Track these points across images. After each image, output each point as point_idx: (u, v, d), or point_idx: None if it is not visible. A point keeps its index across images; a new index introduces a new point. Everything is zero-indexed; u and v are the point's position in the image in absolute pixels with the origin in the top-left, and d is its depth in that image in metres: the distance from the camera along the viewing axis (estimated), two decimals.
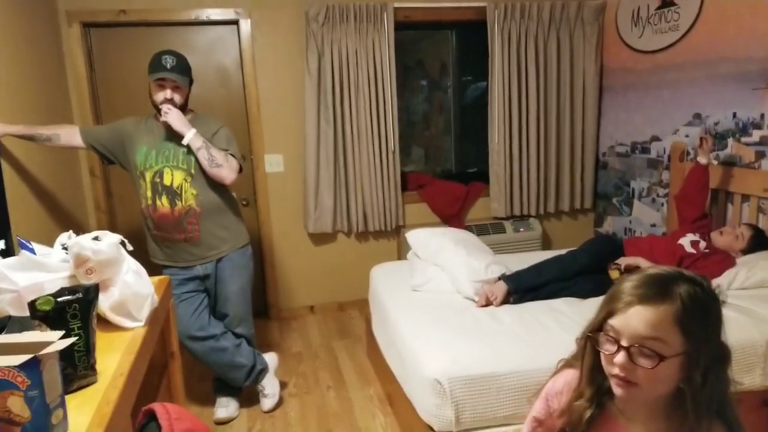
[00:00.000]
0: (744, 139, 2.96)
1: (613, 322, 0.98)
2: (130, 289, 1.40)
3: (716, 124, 3.11)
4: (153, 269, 1.94)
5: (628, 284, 0.99)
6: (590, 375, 1.06)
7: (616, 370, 0.97)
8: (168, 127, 2.32)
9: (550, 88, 3.93)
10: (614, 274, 2.71)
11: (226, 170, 2.36)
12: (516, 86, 3.83)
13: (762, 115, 2.84)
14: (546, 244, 4.20)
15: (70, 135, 2.46)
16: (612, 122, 4.00)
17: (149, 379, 1.54)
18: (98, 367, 1.17)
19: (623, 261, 2.76)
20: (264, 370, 2.71)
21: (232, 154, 2.41)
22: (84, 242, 1.34)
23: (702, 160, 2.92)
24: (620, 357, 0.96)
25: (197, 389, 2.93)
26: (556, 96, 3.95)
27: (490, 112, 3.89)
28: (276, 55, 3.58)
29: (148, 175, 2.38)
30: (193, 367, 2.94)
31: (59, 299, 1.12)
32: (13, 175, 2.42)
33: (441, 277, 2.75)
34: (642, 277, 0.99)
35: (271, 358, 2.80)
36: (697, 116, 3.23)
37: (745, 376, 2.09)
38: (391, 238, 4.00)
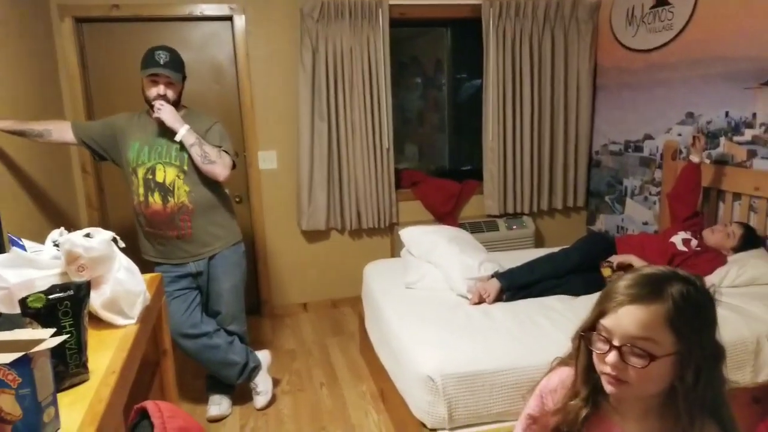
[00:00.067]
0: (736, 138, 2.97)
1: (605, 321, 0.98)
2: (122, 287, 1.39)
3: (709, 123, 3.13)
4: (145, 266, 1.93)
5: (622, 283, 0.99)
6: (585, 374, 1.07)
7: (607, 369, 0.98)
8: (161, 123, 2.31)
9: (545, 86, 3.94)
10: (606, 272, 2.73)
11: (220, 167, 2.35)
12: (510, 84, 3.84)
13: (754, 115, 2.86)
14: (539, 241, 4.22)
15: (62, 131, 2.44)
16: (605, 120, 4.01)
17: (141, 377, 1.53)
18: (90, 364, 1.16)
19: (615, 259, 2.78)
20: (257, 368, 2.71)
21: (225, 151, 2.40)
22: (75, 239, 1.33)
23: (694, 158, 2.94)
24: (612, 356, 0.96)
25: (190, 387, 2.92)
26: (550, 94, 3.96)
27: (485, 109, 3.89)
28: (270, 52, 3.56)
29: (141, 172, 2.36)
30: (186, 364, 2.93)
31: (50, 296, 1.11)
32: (3, 171, 2.40)
33: (434, 275, 2.75)
34: (635, 277, 0.99)
35: (264, 356, 2.80)
36: (690, 115, 3.25)
37: (735, 373, 2.11)
38: (384, 236, 4.00)
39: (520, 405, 1.26)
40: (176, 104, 2.37)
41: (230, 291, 2.58)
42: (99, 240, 1.37)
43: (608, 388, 1.00)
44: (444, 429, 1.99)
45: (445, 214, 3.99)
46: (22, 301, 1.10)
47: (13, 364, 0.87)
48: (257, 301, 3.87)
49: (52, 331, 0.99)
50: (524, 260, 2.74)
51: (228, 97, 3.61)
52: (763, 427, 1.97)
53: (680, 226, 2.92)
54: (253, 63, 3.54)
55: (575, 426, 1.07)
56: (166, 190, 2.36)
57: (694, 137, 2.96)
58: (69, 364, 1.11)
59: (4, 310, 1.25)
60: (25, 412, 0.89)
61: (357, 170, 3.74)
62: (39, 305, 1.09)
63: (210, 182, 2.42)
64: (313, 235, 3.88)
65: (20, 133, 2.37)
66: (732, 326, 2.16)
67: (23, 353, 0.88)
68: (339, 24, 3.51)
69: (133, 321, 1.41)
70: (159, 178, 2.35)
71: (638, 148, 3.70)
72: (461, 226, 3.80)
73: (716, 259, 2.72)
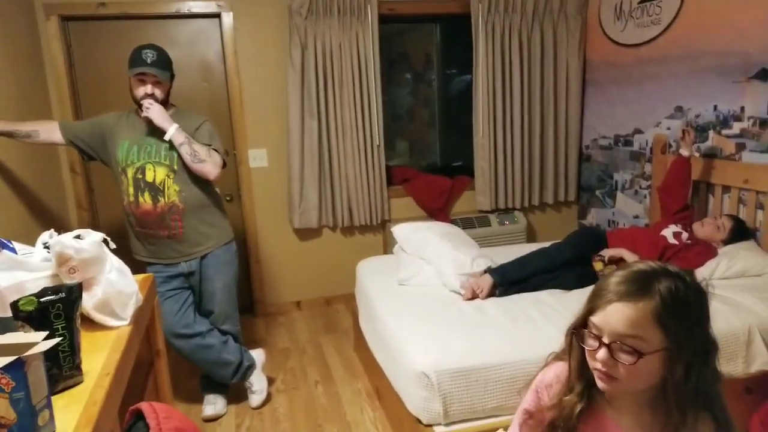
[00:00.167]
0: (725, 132, 3.00)
1: (595, 319, 0.99)
2: (114, 288, 1.38)
3: (697, 116, 3.15)
4: (136, 266, 1.92)
5: (612, 280, 1.00)
6: (579, 370, 1.08)
7: (598, 365, 0.99)
8: (149, 123, 2.29)
9: (534, 82, 3.95)
10: (598, 265, 2.74)
11: (210, 165, 2.34)
12: (500, 79, 3.85)
13: (742, 108, 2.88)
14: (531, 236, 4.23)
15: (50, 131, 2.41)
16: (595, 115, 4.03)
17: (136, 378, 1.52)
18: (84, 367, 1.15)
19: (607, 253, 2.80)
20: (251, 367, 2.70)
21: (215, 149, 2.39)
22: (66, 241, 1.32)
23: (684, 152, 2.96)
24: (601, 353, 0.97)
25: (184, 387, 2.91)
26: (540, 89, 3.97)
27: (475, 105, 3.90)
28: (259, 49, 3.54)
29: (130, 172, 2.34)
30: (180, 364, 2.91)
31: (42, 299, 1.10)
32: None
33: (427, 271, 2.76)
34: (625, 273, 1.00)
35: (258, 355, 2.79)
36: (679, 109, 3.27)
37: (727, 365, 2.13)
38: (376, 233, 4.00)
39: (515, 400, 1.27)
40: (165, 103, 2.35)
41: (223, 290, 2.57)
42: (90, 241, 1.36)
43: (599, 383, 1.01)
44: (440, 424, 2.00)
45: (436, 210, 4.00)
46: (14, 305, 1.09)
47: (7, 368, 0.86)
48: (250, 300, 3.86)
49: (45, 334, 0.99)
50: (516, 255, 2.75)
51: (217, 95, 3.58)
52: (755, 418, 1.99)
53: (671, 219, 2.94)
54: (242, 60, 3.52)
55: (570, 421, 1.08)
56: (156, 190, 2.34)
57: (683, 131, 2.98)
58: (63, 367, 1.10)
59: None
60: (20, 416, 0.88)
61: (348, 167, 3.73)
62: (31, 308, 1.09)
63: (200, 181, 2.40)
64: (305, 233, 3.87)
65: (7, 135, 2.34)
66: (723, 318, 2.18)
67: (16, 357, 0.87)
68: (328, 20, 3.49)
69: (126, 322, 1.40)
70: (149, 177, 2.34)
71: (628, 143, 3.72)
72: (453, 222, 3.81)
73: (707, 251, 2.74)
